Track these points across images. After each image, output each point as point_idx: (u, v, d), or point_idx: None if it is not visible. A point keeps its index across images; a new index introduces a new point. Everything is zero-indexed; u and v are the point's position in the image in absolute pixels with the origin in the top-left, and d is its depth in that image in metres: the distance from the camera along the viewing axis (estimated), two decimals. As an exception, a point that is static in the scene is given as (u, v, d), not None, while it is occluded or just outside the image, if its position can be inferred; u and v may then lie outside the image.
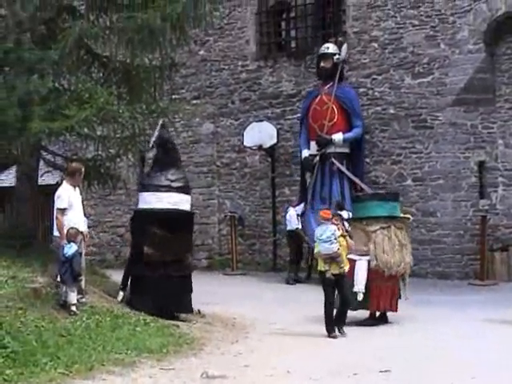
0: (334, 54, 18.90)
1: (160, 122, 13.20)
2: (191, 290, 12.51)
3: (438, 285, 17.56)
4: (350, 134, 18.79)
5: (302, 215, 18.99)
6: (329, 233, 11.82)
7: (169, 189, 12.25)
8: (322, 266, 12.01)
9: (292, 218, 18.88)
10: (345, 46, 19.05)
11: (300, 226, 18.77)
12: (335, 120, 18.73)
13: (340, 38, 19.38)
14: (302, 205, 19.18)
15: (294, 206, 19.09)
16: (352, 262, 12.62)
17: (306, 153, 19.21)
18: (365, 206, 13.67)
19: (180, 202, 12.38)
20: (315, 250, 12.26)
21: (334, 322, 11.79)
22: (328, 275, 11.78)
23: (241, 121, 21.61)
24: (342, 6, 20.58)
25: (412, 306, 13.64)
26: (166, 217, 12.10)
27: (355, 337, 11.74)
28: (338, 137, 18.61)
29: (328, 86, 19.03)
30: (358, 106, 19.09)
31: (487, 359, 9.85)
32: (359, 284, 12.82)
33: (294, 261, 18.97)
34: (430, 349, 10.63)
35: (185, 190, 12.63)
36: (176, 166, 12.73)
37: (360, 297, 12.77)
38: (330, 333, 11.63)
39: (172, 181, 12.33)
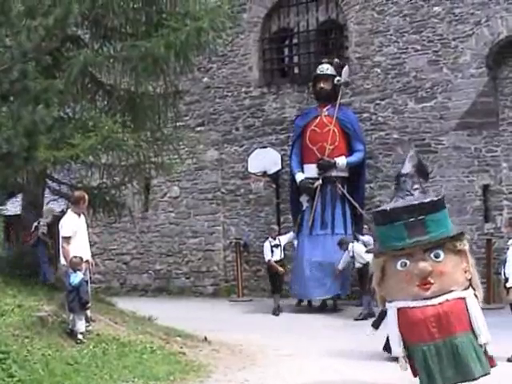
0: (335, 76, 18.90)
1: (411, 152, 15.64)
2: None
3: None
4: (353, 159, 18.66)
5: (297, 239, 18.70)
6: None
7: None
8: None
9: (265, 250, 18.31)
10: (346, 68, 19.06)
11: (272, 258, 18.12)
12: (336, 143, 18.61)
13: (336, 60, 19.35)
14: (291, 234, 18.84)
15: (274, 238, 18.37)
16: (461, 302, 7.91)
17: (301, 176, 18.90)
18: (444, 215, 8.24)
19: None
20: None
21: None
22: None
23: (245, 147, 21.66)
24: (344, 32, 20.70)
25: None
26: None
27: (367, 368, 11.70)
28: (341, 161, 18.46)
29: (327, 107, 18.94)
30: (359, 130, 19.07)
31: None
32: (485, 332, 7.94)
33: (273, 291, 18.31)
34: None
35: None
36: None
37: (490, 350, 8.02)
38: None
39: None
